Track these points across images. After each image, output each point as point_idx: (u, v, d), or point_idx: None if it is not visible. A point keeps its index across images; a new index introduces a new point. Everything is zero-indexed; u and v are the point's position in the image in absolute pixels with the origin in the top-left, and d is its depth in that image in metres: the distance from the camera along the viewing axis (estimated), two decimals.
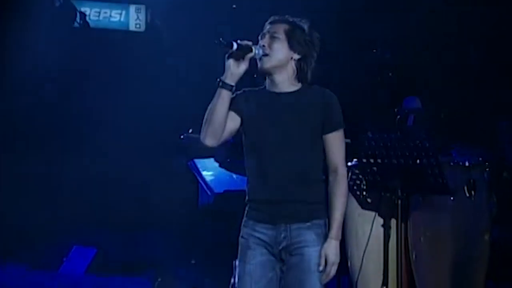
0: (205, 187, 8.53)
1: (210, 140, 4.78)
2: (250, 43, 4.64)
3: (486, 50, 10.07)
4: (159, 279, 8.80)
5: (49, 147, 11.03)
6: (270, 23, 4.85)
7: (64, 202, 11.06)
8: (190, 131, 8.62)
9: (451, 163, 6.39)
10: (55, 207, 11.11)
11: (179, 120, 10.24)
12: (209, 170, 8.78)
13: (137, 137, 10.96)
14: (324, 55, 5.02)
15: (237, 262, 7.44)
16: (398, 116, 6.99)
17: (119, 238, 11.03)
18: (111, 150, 11.03)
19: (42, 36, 11.19)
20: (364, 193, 6.25)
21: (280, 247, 4.73)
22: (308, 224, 4.71)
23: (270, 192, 4.71)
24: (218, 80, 4.72)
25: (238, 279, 4.96)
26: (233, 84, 4.62)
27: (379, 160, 5.86)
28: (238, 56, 4.56)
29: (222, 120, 4.65)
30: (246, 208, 4.85)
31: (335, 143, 4.76)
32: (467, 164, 6.44)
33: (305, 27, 4.83)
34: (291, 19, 4.85)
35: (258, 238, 4.78)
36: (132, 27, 13.11)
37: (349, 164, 6.12)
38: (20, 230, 10.75)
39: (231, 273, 7.55)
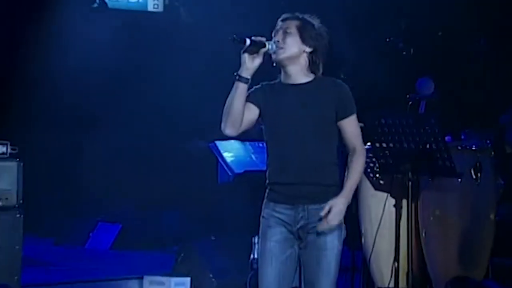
0: (225, 167, 8.64)
1: (229, 130, 4.97)
2: (263, 39, 4.80)
3: (498, 35, 9.90)
4: (182, 255, 8.92)
5: (76, 126, 10.97)
6: (282, 20, 5.02)
7: (91, 179, 11.14)
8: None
9: (459, 147, 6.55)
10: (81, 184, 11.23)
11: (199, 100, 10.25)
12: (229, 151, 8.92)
13: (159, 118, 10.92)
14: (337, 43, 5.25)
15: (255, 239, 7.70)
16: (410, 102, 7.18)
17: (143, 215, 11.19)
18: (134, 132, 10.93)
19: (63, 17, 11.00)
20: (377, 175, 6.37)
21: (298, 226, 4.91)
22: (324, 205, 4.88)
23: (289, 176, 4.89)
24: (235, 74, 4.86)
25: (260, 255, 5.13)
26: (248, 77, 4.80)
27: (391, 145, 5.95)
28: (253, 51, 4.74)
29: (240, 111, 4.84)
30: (267, 191, 5.03)
31: (351, 127, 4.92)
32: (474, 148, 6.60)
33: (315, 22, 5.00)
34: (301, 16, 5.02)
35: (278, 218, 4.95)
36: (150, 8, 12.70)
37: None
38: (49, 205, 10.91)
39: (249, 249, 7.81)
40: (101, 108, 10.82)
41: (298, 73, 4.96)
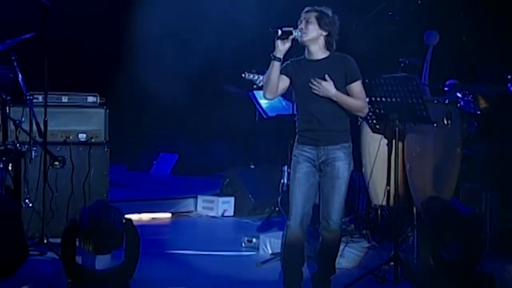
0: (261, 111, 8.92)
1: (269, 95, 5.79)
2: (291, 28, 5.65)
3: None
4: (227, 179, 9.78)
5: (146, 78, 11.08)
6: (305, 12, 5.78)
7: (155, 119, 11.82)
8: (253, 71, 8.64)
9: (435, 101, 7.13)
10: (147, 123, 11.94)
11: (243, 54, 10.54)
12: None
13: (209, 67, 11.15)
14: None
15: (285, 168, 8.44)
16: (402, 65, 7.68)
17: (196, 146, 11.93)
18: (188, 77, 11.13)
19: None
20: (374, 121, 6.83)
21: (320, 161, 5.78)
22: (338, 146, 5.76)
23: (313, 125, 5.75)
24: (271, 55, 5.65)
25: (290, 183, 5.95)
26: (281, 57, 5.63)
27: (383, 99, 6.50)
28: (283, 38, 5.59)
29: (276, 82, 5.68)
30: (296, 137, 5.89)
31: (357, 89, 5.72)
32: (446, 102, 7.20)
33: (329, 12, 5.77)
34: (319, 8, 5.77)
35: (305, 155, 5.81)
36: None
37: None
38: (124, 140, 11.32)
39: (280, 176, 8.66)
40: (165, 62, 11.01)
41: (318, 51, 5.72)
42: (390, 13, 8.26)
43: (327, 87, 5.63)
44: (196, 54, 10.98)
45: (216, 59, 10.85)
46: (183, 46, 11.04)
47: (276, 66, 5.67)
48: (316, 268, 6.03)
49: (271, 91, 5.76)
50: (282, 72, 5.74)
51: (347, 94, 5.71)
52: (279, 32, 5.62)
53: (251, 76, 7.78)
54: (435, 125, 6.79)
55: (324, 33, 5.70)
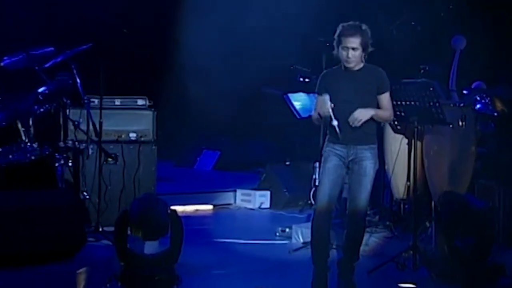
0: (295, 112, 9.03)
1: (317, 123, 5.99)
2: (333, 119, 5.71)
3: None
4: (264, 175, 9.90)
5: (190, 82, 11.13)
6: (348, 36, 5.67)
7: (199, 118, 11.67)
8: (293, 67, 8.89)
9: (451, 105, 7.26)
10: (193, 122, 11.86)
11: (278, 59, 10.25)
12: (298, 100, 9.22)
13: (247, 72, 10.86)
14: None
15: (316, 164, 8.30)
16: (422, 71, 7.66)
17: (236, 144, 12.01)
18: (231, 81, 10.89)
19: None
20: (396, 122, 6.94)
21: (349, 159, 5.86)
22: (366, 146, 5.83)
23: (344, 126, 5.77)
24: (330, 118, 5.72)
25: (320, 174, 6.04)
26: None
27: (404, 103, 6.63)
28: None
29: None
30: (327, 136, 5.95)
31: (385, 100, 5.83)
32: (461, 105, 7.33)
33: (367, 30, 5.72)
34: (360, 31, 5.66)
35: (335, 152, 5.88)
36: None
37: None
38: (171, 138, 11.53)
39: (312, 172, 8.68)
40: (208, 67, 11.01)
41: (356, 65, 5.76)
42: (412, 23, 8.27)
43: (364, 114, 5.68)
44: (237, 59, 10.98)
45: (255, 63, 10.83)
46: (225, 53, 11.03)
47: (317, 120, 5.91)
48: (342, 255, 6.15)
49: (318, 122, 6.00)
50: (321, 92, 5.80)
51: (375, 101, 5.81)
52: (330, 118, 5.72)
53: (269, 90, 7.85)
54: (450, 126, 6.89)
55: (364, 53, 5.74)
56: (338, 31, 5.79)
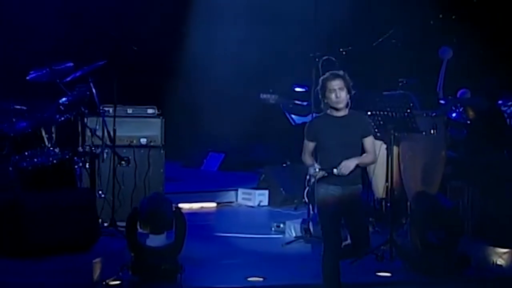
0: (290, 119, 9.19)
1: (309, 163, 5.70)
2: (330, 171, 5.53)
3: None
4: (263, 175, 10.01)
5: (197, 90, 11.22)
6: (332, 80, 5.60)
7: (205, 122, 11.64)
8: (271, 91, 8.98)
9: (424, 115, 7.44)
10: (199, 127, 11.71)
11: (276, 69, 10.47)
12: None
13: (249, 80, 10.90)
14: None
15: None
16: (400, 84, 7.86)
17: (239, 146, 11.96)
18: (235, 89, 10.99)
19: None
20: (376, 130, 6.89)
21: (344, 198, 5.68)
22: (356, 186, 5.75)
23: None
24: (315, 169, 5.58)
25: (320, 216, 5.82)
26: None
27: (382, 113, 6.87)
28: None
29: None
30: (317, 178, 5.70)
31: (369, 143, 5.72)
32: (433, 115, 7.55)
33: (347, 76, 5.64)
34: (342, 75, 5.63)
35: (331, 194, 5.67)
36: None
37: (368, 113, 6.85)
38: (179, 142, 10.99)
39: (306, 171, 8.16)
40: (213, 76, 11.02)
41: (342, 110, 5.67)
42: (393, 40, 8.37)
43: (349, 165, 5.54)
44: (239, 68, 10.89)
45: (255, 72, 10.84)
46: (229, 62, 10.95)
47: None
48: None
49: (308, 163, 5.77)
50: (309, 139, 5.72)
51: (360, 144, 5.72)
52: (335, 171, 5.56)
53: (266, 96, 7.97)
54: (423, 133, 7.14)
55: (349, 95, 5.65)
56: (321, 82, 5.73)
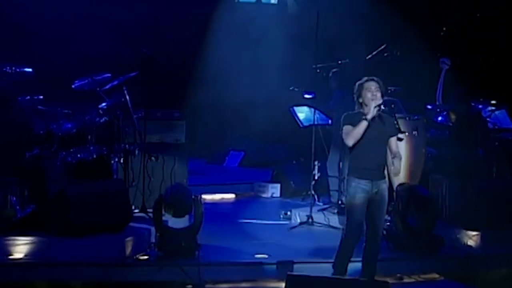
0: (299, 121, 9.14)
1: (352, 143, 5.82)
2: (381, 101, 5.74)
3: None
4: (275, 171, 10.34)
5: (217, 93, 11.24)
6: (372, 81, 5.83)
7: (226, 124, 12.13)
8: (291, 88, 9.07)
9: (407, 118, 7.86)
10: (220, 127, 12.26)
11: (290, 78, 10.36)
12: (301, 112, 9.23)
13: (263, 88, 11.11)
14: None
15: (316, 162, 8.64)
16: (389, 91, 8.05)
17: (257, 145, 12.37)
18: (253, 95, 11.04)
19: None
20: None
21: (373, 192, 5.92)
22: (383, 180, 6.00)
23: (371, 162, 5.88)
24: (364, 117, 5.73)
25: (349, 207, 5.98)
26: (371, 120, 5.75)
27: None
28: (379, 108, 5.81)
29: (361, 135, 5.83)
30: (349, 171, 5.95)
31: (395, 141, 6.01)
32: (415, 118, 8.00)
33: (381, 81, 5.91)
34: (377, 79, 5.89)
35: (362, 188, 5.89)
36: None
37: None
38: (211, 141, 11.97)
39: (312, 169, 8.78)
40: (235, 82, 11.11)
41: (380, 104, 5.85)
42: (385, 54, 8.62)
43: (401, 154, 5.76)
44: (256, 75, 11.15)
45: (270, 77, 10.95)
46: (247, 69, 11.13)
47: (365, 125, 5.79)
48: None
49: (355, 140, 5.82)
50: (349, 123, 5.86)
51: (387, 142, 5.92)
52: (382, 105, 5.78)
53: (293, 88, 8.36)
54: (406, 134, 7.51)
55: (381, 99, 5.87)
56: (357, 86, 5.91)
